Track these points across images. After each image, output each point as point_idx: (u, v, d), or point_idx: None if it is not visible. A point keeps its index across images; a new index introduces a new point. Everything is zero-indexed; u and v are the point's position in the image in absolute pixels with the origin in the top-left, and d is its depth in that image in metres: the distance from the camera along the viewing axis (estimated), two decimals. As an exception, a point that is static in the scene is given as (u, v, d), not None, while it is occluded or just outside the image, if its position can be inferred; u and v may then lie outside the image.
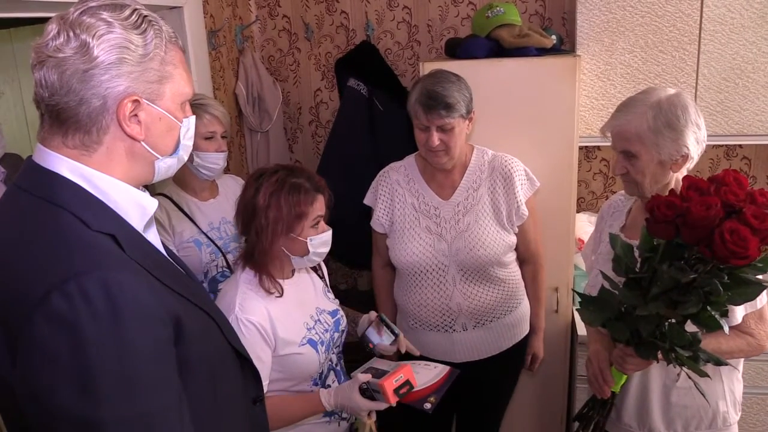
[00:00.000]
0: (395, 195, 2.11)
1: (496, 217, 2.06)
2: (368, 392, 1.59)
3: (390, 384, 1.57)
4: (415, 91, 1.95)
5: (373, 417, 1.70)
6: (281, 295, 1.64)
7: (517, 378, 2.34)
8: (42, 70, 0.92)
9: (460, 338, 2.10)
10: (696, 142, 1.56)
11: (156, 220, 1.71)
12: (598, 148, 2.91)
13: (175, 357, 0.95)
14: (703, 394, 1.54)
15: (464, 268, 2.04)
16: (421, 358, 1.91)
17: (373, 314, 1.85)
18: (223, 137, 2.07)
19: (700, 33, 2.39)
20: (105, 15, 0.92)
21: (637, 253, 1.46)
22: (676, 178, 1.60)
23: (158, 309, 0.92)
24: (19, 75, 3.36)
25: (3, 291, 0.90)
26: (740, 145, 2.79)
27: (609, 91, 2.51)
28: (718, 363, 1.44)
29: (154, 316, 0.91)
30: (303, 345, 1.63)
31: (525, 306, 2.21)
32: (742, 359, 1.71)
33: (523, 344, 2.23)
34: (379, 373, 1.63)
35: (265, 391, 1.46)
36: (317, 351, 1.65)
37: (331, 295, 1.86)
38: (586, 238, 2.56)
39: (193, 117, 1.08)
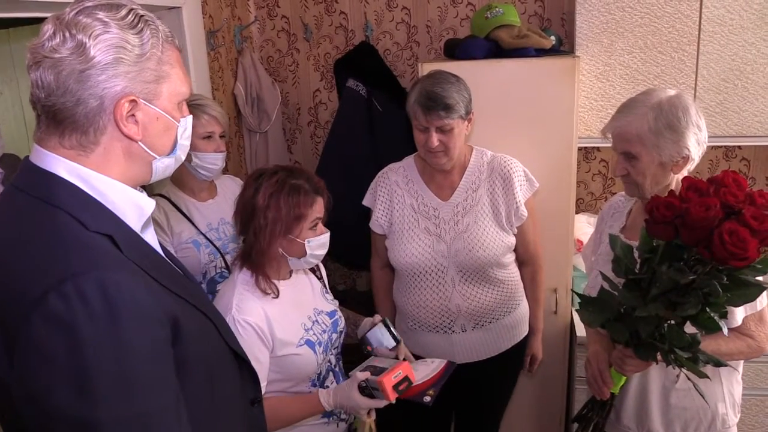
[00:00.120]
0: (394, 196, 2.11)
1: (495, 217, 2.05)
2: (367, 390, 1.59)
3: (389, 381, 1.57)
4: (414, 91, 1.95)
5: (373, 415, 1.69)
6: (277, 296, 1.63)
7: (516, 379, 2.34)
8: (38, 71, 0.92)
9: (459, 339, 2.10)
10: (697, 143, 1.55)
11: (154, 220, 1.71)
12: (597, 149, 2.91)
13: (173, 358, 0.95)
14: (702, 396, 1.54)
15: (463, 269, 2.04)
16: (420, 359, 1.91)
17: (377, 318, 1.85)
18: (221, 137, 2.07)
19: (699, 34, 2.39)
20: (101, 15, 0.92)
21: (636, 254, 1.46)
22: (677, 180, 1.59)
23: (156, 309, 0.92)
24: (17, 75, 3.35)
25: (0, 291, 0.90)
26: (739, 146, 2.79)
27: (608, 92, 2.50)
28: (718, 364, 1.44)
29: (152, 317, 0.91)
30: (300, 346, 1.63)
31: (524, 307, 2.21)
32: (742, 361, 1.71)
33: (522, 345, 2.22)
34: (378, 371, 1.63)
35: (263, 392, 1.46)
36: (315, 352, 1.65)
37: (330, 296, 1.85)
38: (585, 239, 2.56)
39: (190, 117, 1.08)
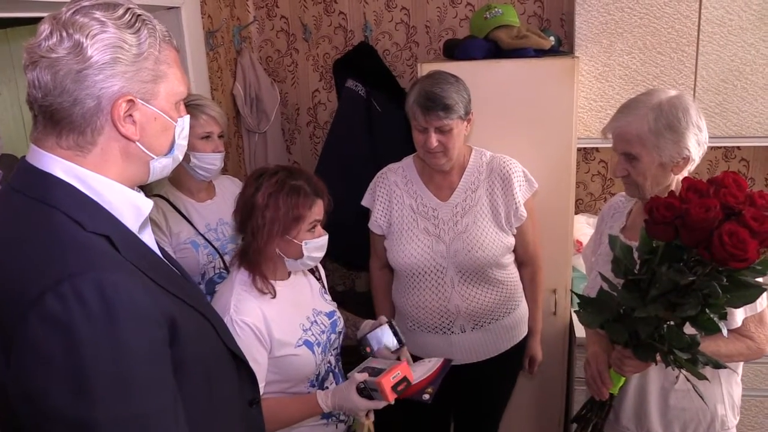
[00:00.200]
0: (393, 196, 2.11)
1: (494, 218, 2.05)
2: (366, 391, 1.59)
3: (388, 381, 1.57)
4: (414, 92, 1.95)
5: (371, 417, 1.69)
6: (274, 297, 1.63)
7: (515, 380, 2.34)
8: (35, 71, 0.91)
9: (459, 340, 2.09)
10: (697, 144, 1.55)
11: (152, 221, 1.70)
12: (597, 149, 2.91)
13: (170, 358, 0.94)
14: (701, 397, 1.54)
15: (462, 270, 2.03)
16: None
17: (383, 319, 1.83)
18: (220, 138, 2.07)
19: (698, 35, 2.39)
20: (98, 14, 0.92)
21: (636, 255, 1.45)
22: (677, 180, 1.59)
23: (153, 310, 0.91)
24: (16, 75, 3.35)
25: (-3, 292, 0.90)
26: (738, 147, 2.79)
27: (607, 93, 2.50)
28: (717, 366, 1.44)
29: (149, 317, 0.91)
30: (299, 346, 1.62)
31: (523, 308, 2.21)
32: (742, 362, 1.71)
33: (522, 346, 2.22)
34: (376, 372, 1.62)
35: (261, 393, 1.45)
36: (313, 352, 1.64)
37: (328, 297, 1.85)
38: (584, 239, 2.56)
39: (188, 116, 1.08)
